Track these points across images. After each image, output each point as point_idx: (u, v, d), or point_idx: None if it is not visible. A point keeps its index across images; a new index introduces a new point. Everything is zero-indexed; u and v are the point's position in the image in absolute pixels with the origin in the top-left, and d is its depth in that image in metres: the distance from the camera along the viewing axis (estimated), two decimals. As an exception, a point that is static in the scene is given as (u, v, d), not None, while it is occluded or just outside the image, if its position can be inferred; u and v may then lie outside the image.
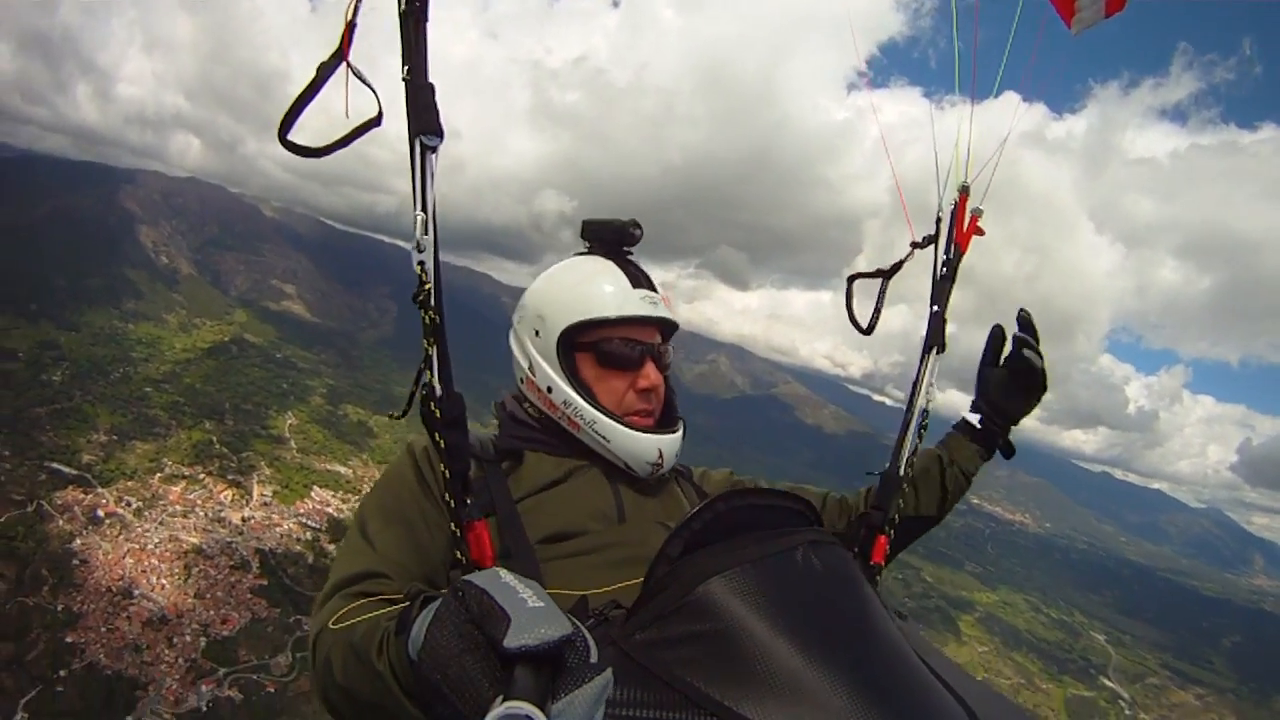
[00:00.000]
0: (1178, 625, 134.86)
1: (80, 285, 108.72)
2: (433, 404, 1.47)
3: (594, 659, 0.92)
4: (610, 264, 2.01)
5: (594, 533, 1.77)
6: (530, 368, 2.00)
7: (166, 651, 57.37)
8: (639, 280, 1.98)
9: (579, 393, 1.95)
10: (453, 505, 1.55)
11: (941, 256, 2.32)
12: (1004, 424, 2.34)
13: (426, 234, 1.38)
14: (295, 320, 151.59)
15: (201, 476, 79.45)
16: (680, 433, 2.03)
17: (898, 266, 2.35)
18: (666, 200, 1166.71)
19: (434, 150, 1.37)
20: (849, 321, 2.39)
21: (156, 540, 67.51)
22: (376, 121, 1.37)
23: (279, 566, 70.45)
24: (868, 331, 2.40)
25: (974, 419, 2.37)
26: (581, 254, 2.09)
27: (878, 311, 2.37)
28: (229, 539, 71.46)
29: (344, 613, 1.49)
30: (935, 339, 2.26)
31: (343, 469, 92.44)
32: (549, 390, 1.97)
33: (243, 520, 75.39)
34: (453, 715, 0.92)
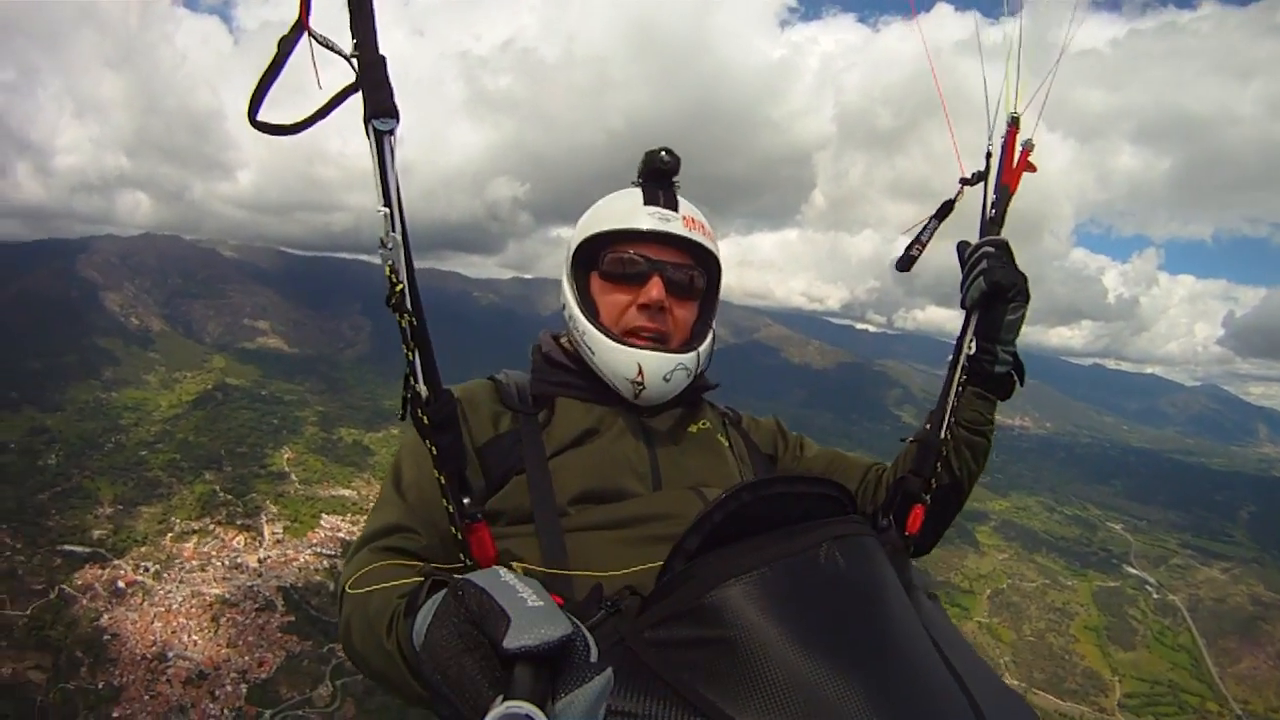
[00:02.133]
0: (1192, 504, 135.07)
1: (56, 364, 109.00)
2: (420, 410, 1.41)
3: (594, 658, 0.91)
4: (636, 188, 1.98)
5: (627, 498, 1.72)
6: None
7: (211, 705, 58.70)
8: (655, 199, 1.93)
9: (581, 308, 1.93)
10: (450, 509, 1.49)
11: (990, 196, 2.12)
12: (990, 351, 2.03)
13: (393, 230, 1.27)
14: (274, 355, 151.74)
15: (211, 527, 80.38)
16: (681, 355, 1.91)
17: (949, 206, 2.17)
18: (616, 167, 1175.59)
19: (390, 134, 1.25)
20: (899, 267, 2.22)
21: (180, 599, 68.60)
22: (355, 87, 1.25)
23: (303, 600, 71.84)
24: (906, 268, 2.21)
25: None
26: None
27: (922, 246, 2.17)
28: (250, 583, 72.68)
29: (367, 572, 1.52)
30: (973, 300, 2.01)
31: (347, 491, 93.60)
32: (567, 313, 1.98)
33: (259, 562, 76.59)
34: (453, 714, 0.92)
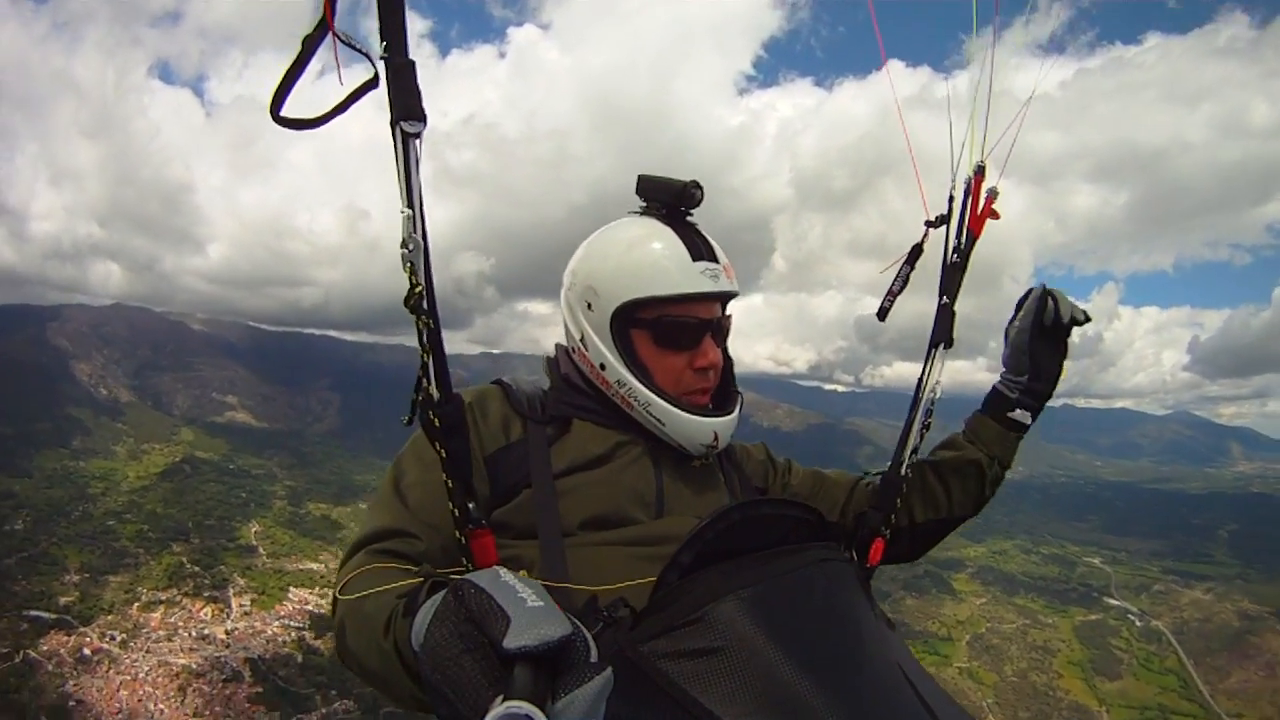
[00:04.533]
0: (1170, 530, 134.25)
1: (27, 431, 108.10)
2: (431, 412, 1.41)
3: (594, 659, 0.91)
4: (667, 230, 1.83)
5: (632, 523, 1.73)
6: (583, 339, 1.88)
7: None
8: (699, 251, 1.80)
9: (633, 373, 1.83)
10: (457, 514, 1.48)
11: (952, 242, 2.10)
12: (1040, 388, 2.08)
13: (415, 231, 1.28)
14: (242, 429, 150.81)
15: (179, 598, 79.62)
16: (736, 413, 1.93)
17: (918, 250, 2.15)
18: (577, 238, 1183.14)
19: (417, 137, 1.26)
20: (879, 315, 2.23)
21: (147, 668, 67.80)
22: (373, 84, 1.27)
23: (270, 671, 71.28)
24: (883, 317, 2.22)
25: (1007, 390, 2.11)
26: (635, 213, 1.92)
27: (893, 296, 2.18)
28: (217, 654, 71.86)
29: (363, 574, 1.51)
30: (944, 334, 2.06)
31: (315, 565, 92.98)
32: (602, 367, 1.85)
33: (227, 633, 75.70)
34: (453, 714, 0.91)
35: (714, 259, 1.84)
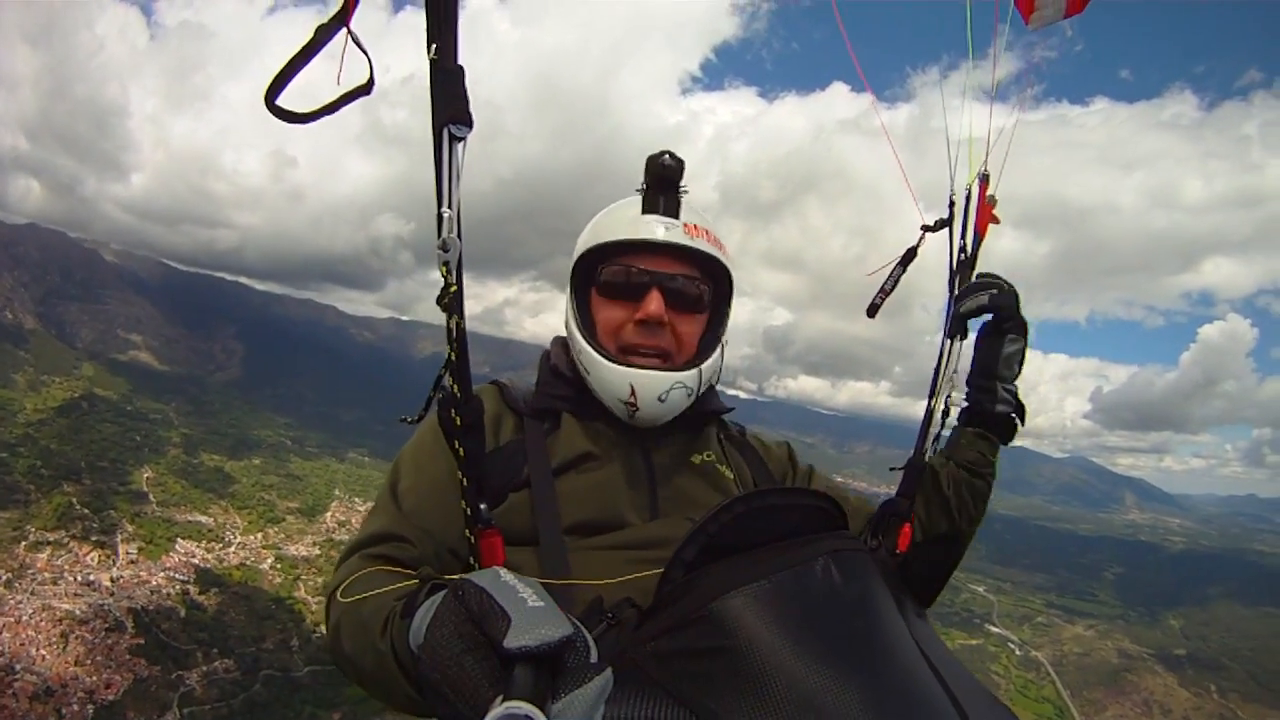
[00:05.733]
0: (1056, 566, 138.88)
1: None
2: (453, 410, 1.39)
3: (594, 659, 0.91)
4: (637, 196, 1.83)
5: (626, 527, 1.67)
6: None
7: None
8: (655, 205, 1.79)
9: (579, 324, 1.82)
10: (469, 513, 1.47)
11: (958, 243, 2.20)
12: (989, 387, 2.05)
13: (453, 233, 1.28)
14: (144, 370, 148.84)
15: (66, 540, 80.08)
16: (679, 373, 1.77)
17: (912, 253, 2.24)
18: (501, 215, 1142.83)
19: (462, 141, 1.25)
20: (869, 311, 2.31)
21: (30, 611, 68.13)
22: (366, 89, 1.26)
23: (153, 623, 72.43)
24: (872, 314, 2.28)
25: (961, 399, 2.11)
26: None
27: (885, 294, 2.24)
28: (101, 601, 72.62)
29: (358, 578, 1.47)
30: (958, 327, 2.11)
31: (204, 518, 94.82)
32: (568, 333, 1.87)
33: (112, 581, 76.59)
34: (453, 714, 0.91)
35: (674, 215, 1.79)
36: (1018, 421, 2.11)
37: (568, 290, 1.91)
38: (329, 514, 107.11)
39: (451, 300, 1.34)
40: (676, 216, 1.80)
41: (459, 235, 1.31)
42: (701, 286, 1.84)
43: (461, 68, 1.26)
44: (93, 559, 79.54)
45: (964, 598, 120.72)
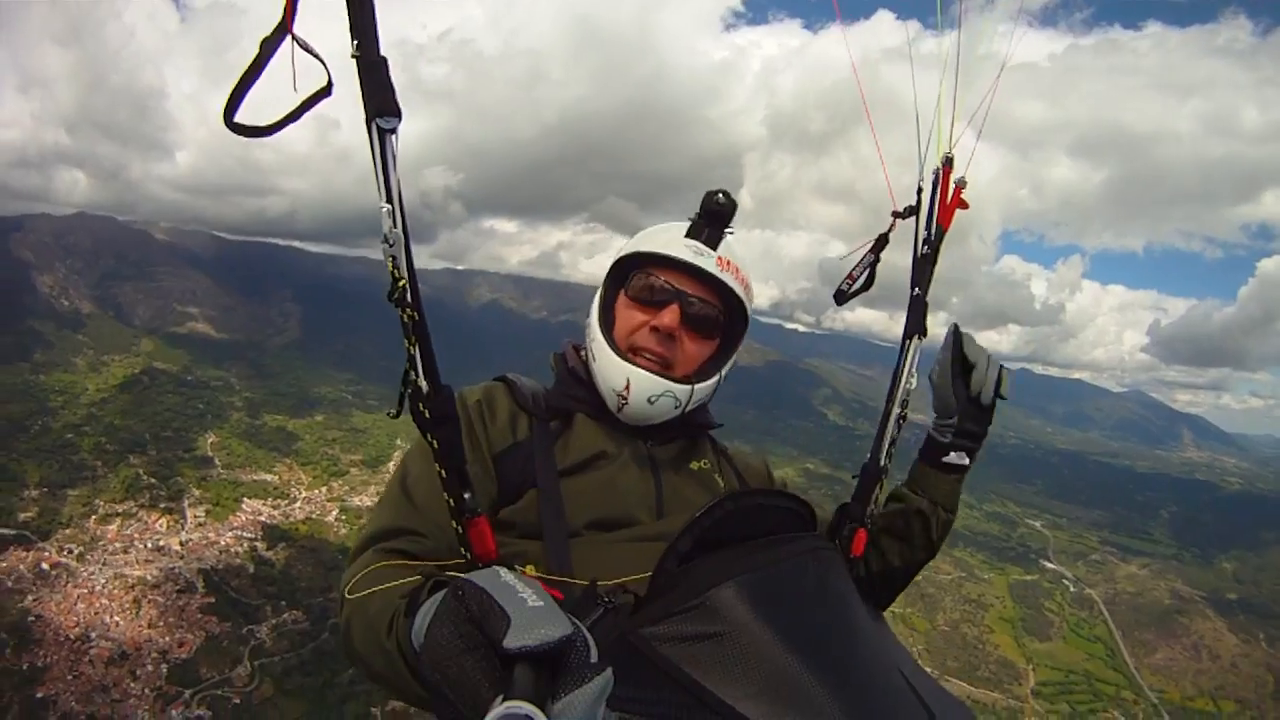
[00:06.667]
0: (1113, 503, 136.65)
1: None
2: (421, 404, 1.42)
3: (594, 659, 0.91)
4: (688, 222, 1.97)
5: (635, 524, 1.77)
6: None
7: (133, 685, 60.51)
8: (697, 234, 1.93)
9: (600, 317, 1.97)
10: (452, 504, 1.49)
11: (922, 234, 2.16)
12: (973, 446, 2.13)
13: (395, 226, 1.29)
14: (202, 340, 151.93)
15: (135, 510, 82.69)
16: (674, 383, 1.91)
17: (884, 240, 2.24)
18: (549, 160, 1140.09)
19: (393, 132, 1.26)
20: (836, 296, 2.30)
21: (103, 581, 70.36)
22: (327, 92, 1.27)
23: (223, 582, 74.52)
24: (841, 301, 2.31)
25: (939, 435, 2.13)
26: None
27: (853, 280, 2.26)
28: (171, 565, 74.84)
29: (369, 573, 1.54)
30: (917, 325, 2.10)
31: (269, 476, 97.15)
32: (587, 322, 2.00)
33: (181, 544, 78.87)
34: (453, 714, 0.91)
35: (712, 246, 1.92)
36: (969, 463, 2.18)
37: (600, 286, 2.06)
38: (391, 463, 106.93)
39: (401, 294, 1.35)
40: (714, 248, 1.94)
41: (402, 227, 1.31)
42: (719, 315, 1.99)
43: (384, 59, 1.26)
44: (161, 525, 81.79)
45: (1020, 532, 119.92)
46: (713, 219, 1.94)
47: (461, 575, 1.04)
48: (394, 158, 1.28)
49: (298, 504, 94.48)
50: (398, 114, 1.26)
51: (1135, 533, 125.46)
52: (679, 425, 2.02)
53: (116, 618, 67.21)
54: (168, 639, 66.45)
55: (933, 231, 2.19)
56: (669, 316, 1.89)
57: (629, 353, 1.92)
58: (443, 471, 1.48)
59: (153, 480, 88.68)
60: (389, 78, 1.25)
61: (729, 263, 1.95)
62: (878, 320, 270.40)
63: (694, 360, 1.98)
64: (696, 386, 1.95)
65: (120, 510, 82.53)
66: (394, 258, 1.31)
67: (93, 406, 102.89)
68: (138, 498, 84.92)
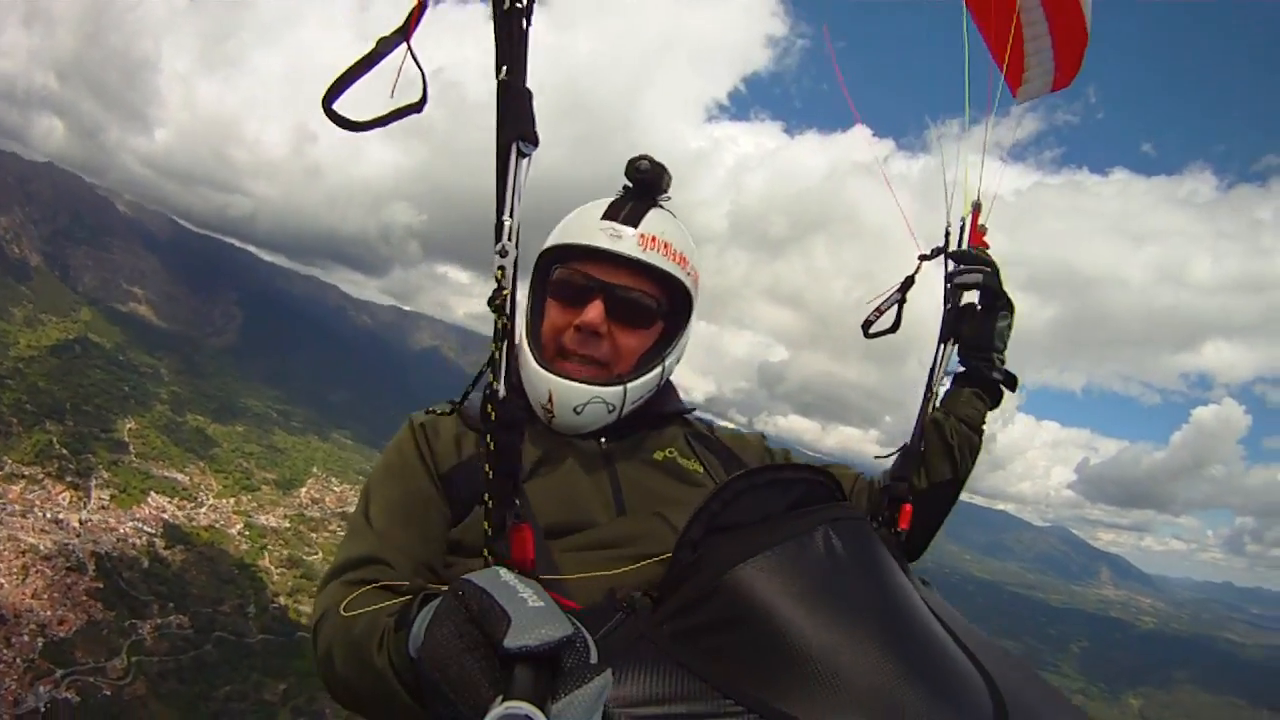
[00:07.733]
0: (1025, 634, 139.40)
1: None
2: (490, 406, 1.33)
3: (594, 659, 0.91)
4: (610, 198, 1.82)
5: (595, 525, 1.65)
6: None
7: (5, 651, 59.16)
8: (615, 212, 1.76)
9: (527, 321, 1.82)
10: (492, 505, 1.35)
11: (951, 266, 2.35)
12: (985, 356, 2.23)
13: (512, 240, 1.28)
14: (141, 323, 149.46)
15: (40, 477, 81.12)
16: (601, 387, 1.74)
17: (910, 280, 2.33)
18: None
19: (527, 157, 1.25)
20: (866, 331, 2.38)
21: None
22: (418, 107, 1.25)
23: (115, 570, 73.17)
24: (866, 333, 2.38)
25: (959, 365, 2.27)
26: None
27: (882, 315, 2.34)
28: (67, 540, 73.40)
29: (345, 602, 1.45)
30: (949, 332, 2.28)
31: (180, 476, 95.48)
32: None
33: (80, 522, 77.48)
34: (452, 715, 0.91)
35: (632, 224, 1.76)
36: (1006, 390, 2.29)
37: (526, 285, 1.87)
38: (304, 489, 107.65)
39: (503, 302, 1.31)
40: (635, 225, 1.76)
41: (516, 242, 1.30)
42: (652, 301, 1.80)
43: (530, 90, 1.26)
44: (64, 499, 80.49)
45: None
46: (640, 190, 1.83)
47: (461, 576, 1.03)
48: (523, 180, 1.27)
49: (204, 509, 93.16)
50: (536, 142, 1.25)
51: (1044, 665, 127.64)
52: (634, 418, 1.84)
53: (2, 579, 65.82)
54: (49, 614, 65.07)
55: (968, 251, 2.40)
56: (592, 313, 1.72)
57: (558, 357, 1.77)
58: (492, 472, 1.35)
59: (64, 451, 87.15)
60: (532, 108, 1.26)
61: (653, 239, 1.76)
62: (810, 429, 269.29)
63: (632, 354, 1.81)
64: (629, 386, 1.78)
65: (26, 473, 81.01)
66: (503, 268, 1.28)
67: (20, 362, 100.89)
68: (46, 465, 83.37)
